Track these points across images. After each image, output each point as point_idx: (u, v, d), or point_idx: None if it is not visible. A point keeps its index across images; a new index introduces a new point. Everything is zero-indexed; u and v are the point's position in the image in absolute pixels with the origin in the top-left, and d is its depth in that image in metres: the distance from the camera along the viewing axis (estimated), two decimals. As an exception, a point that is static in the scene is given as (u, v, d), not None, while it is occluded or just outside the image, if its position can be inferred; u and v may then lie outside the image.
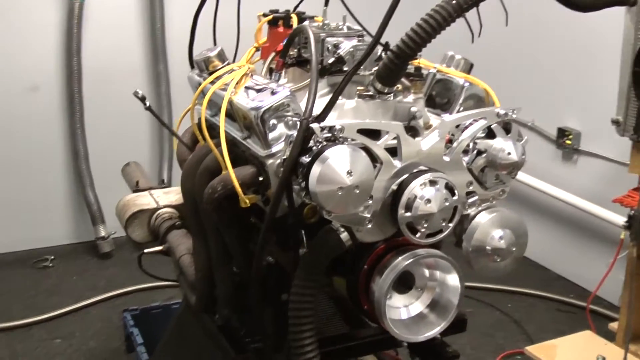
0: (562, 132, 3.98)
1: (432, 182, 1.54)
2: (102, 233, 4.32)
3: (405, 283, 1.67)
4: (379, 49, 1.72)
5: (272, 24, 2.10)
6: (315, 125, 1.46)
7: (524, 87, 4.26)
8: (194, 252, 2.03)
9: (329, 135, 1.46)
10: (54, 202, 4.42)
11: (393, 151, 1.58)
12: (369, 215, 1.55)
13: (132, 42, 4.37)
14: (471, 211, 1.67)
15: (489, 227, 1.65)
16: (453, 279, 1.66)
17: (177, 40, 4.19)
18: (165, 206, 2.53)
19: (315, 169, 1.42)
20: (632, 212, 2.72)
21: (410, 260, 1.58)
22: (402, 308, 1.66)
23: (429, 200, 1.53)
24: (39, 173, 4.34)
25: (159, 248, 2.38)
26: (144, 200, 2.58)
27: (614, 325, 3.07)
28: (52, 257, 4.27)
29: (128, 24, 4.33)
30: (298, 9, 2.17)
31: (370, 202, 1.54)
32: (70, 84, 4.19)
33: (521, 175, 4.20)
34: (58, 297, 3.83)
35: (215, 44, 2.12)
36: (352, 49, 1.73)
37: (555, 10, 1.99)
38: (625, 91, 2.70)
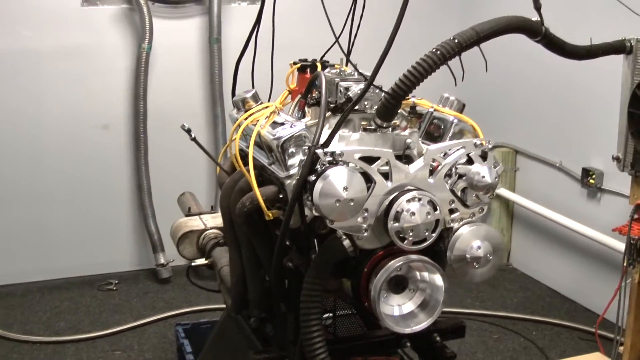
0: (587, 172, 4.25)
1: (417, 199, 1.88)
2: (162, 260, 4.74)
3: (400, 285, 2.00)
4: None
5: (301, 70, 2.50)
6: (319, 151, 1.83)
7: (553, 130, 4.58)
8: (229, 260, 2.40)
9: (331, 159, 1.83)
10: (119, 231, 4.86)
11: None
12: (365, 225, 1.90)
13: (193, 87, 4.83)
14: (454, 225, 2.00)
15: (469, 238, 1.97)
16: (439, 280, 1.98)
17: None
18: (212, 228, 2.93)
19: (318, 185, 1.79)
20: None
21: (400, 262, 1.92)
22: (395, 306, 1.99)
23: (413, 213, 1.87)
24: (106, 204, 4.80)
25: (205, 262, 2.77)
26: (194, 223, 2.98)
27: (622, 348, 3.30)
28: (116, 282, 4.70)
29: (189, 71, 4.80)
30: (324, 58, 2.56)
31: (366, 214, 1.89)
32: (137, 124, 4.66)
33: (549, 213, 4.49)
34: (120, 316, 4.26)
35: (253, 87, 2.52)
36: (359, 92, 2.10)
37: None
38: (624, 131, 2.98)
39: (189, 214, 3.13)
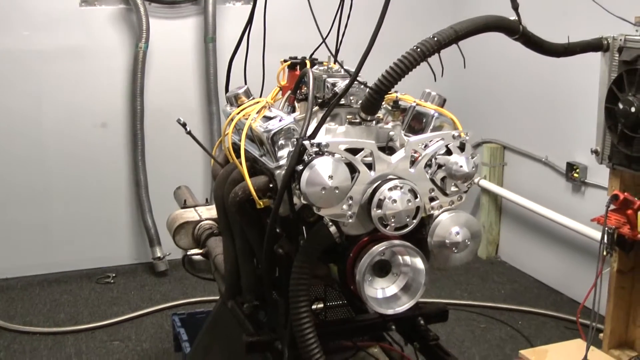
0: (571, 167, 4.38)
1: (398, 187, 2.00)
2: (159, 254, 4.87)
3: (383, 269, 2.12)
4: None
5: (291, 68, 2.62)
6: (307, 142, 1.95)
7: (539, 126, 4.71)
8: (223, 249, 2.52)
9: (317, 149, 1.95)
10: (116, 226, 4.99)
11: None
12: (350, 212, 2.01)
13: (188, 85, 4.95)
14: (434, 212, 2.12)
15: (448, 224, 2.09)
16: (420, 264, 2.09)
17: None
18: (206, 219, 3.05)
19: (305, 174, 1.91)
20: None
21: (383, 247, 2.03)
22: (379, 289, 2.11)
23: (395, 201, 1.99)
24: (104, 200, 4.92)
25: (200, 251, 2.89)
26: (190, 215, 3.10)
27: (602, 335, 3.43)
28: (114, 275, 4.83)
29: (185, 70, 4.92)
30: (313, 56, 2.68)
31: (350, 201, 2.00)
32: (134, 121, 4.78)
33: (536, 207, 4.61)
34: (118, 307, 4.38)
35: (245, 84, 2.64)
36: (344, 87, 2.22)
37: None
38: (602, 125, 3.11)
39: (184, 206, 3.25)
